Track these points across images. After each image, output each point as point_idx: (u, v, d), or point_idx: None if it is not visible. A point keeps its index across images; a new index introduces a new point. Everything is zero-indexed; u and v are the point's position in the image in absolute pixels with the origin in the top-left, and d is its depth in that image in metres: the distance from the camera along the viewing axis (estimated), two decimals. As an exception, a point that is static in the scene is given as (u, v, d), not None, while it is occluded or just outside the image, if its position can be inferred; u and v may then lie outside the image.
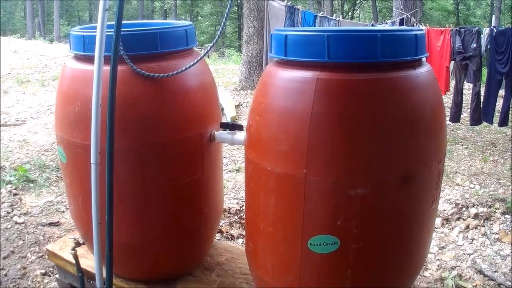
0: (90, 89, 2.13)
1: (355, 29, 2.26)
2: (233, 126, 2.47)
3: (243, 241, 4.01)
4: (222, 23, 2.43)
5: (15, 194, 4.86)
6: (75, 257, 2.66)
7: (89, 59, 2.25)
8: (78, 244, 2.68)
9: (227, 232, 4.11)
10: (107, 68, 2.10)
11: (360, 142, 1.87)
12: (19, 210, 4.52)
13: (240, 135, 2.46)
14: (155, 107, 2.31)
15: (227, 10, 2.28)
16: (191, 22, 2.59)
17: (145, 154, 2.34)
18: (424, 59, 2.09)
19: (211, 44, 2.47)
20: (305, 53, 1.91)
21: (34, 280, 3.48)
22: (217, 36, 2.38)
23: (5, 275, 3.51)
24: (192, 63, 2.36)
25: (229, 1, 2.31)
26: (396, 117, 1.90)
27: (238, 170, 5.81)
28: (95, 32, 2.12)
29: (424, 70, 2.01)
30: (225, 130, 2.51)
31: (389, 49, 1.86)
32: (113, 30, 2.07)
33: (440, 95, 2.18)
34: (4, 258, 3.71)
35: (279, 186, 2.00)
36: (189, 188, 2.51)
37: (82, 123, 2.31)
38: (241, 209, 4.58)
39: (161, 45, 2.31)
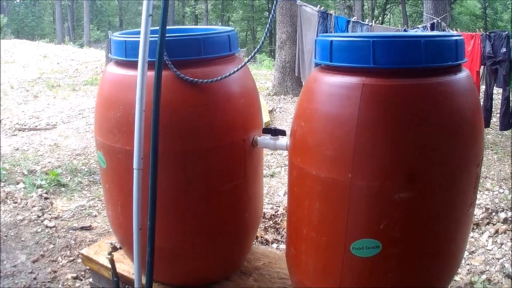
0: (132, 94, 2.14)
1: (398, 35, 2.25)
2: (275, 132, 2.47)
3: (277, 246, 4.02)
4: (265, 32, 2.44)
5: (46, 198, 4.90)
6: (112, 261, 2.66)
7: (131, 65, 2.27)
8: (114, 248, 2.67)
9: (262, 237, 4.10)
10: (149, 74, 2.11)
11: (404, 147, 1.88)
12: (50, 214, 4.54)
13: (283, 141, 2.45)
14: (198, 113, 2.31)
15: (270, 16, 2.28)
16: (233, 28, 2.60)
17: (188, 160, 2.33)
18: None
19: (255, 51, 2.47)
20: (351, 59, 1.91)
21: (65, 283, 3.48)
22: (261, 42, 2.38)
23: (35, 278, 3.52)
24: (236, 69, 2.36)
25: (273, 9, 2.32)
26: (438, 122, 1.90)
27: (272, 175, 5.78)
28: (137, 37, 2.14)
29: (463, 75, 2.02)
30: (268, 136, 2.51)
31: (432, 55, 1.87)
32: (156, 35, 2.09)
33: (478, 100, 2.18)
34: (34, 261, 3.73)
35: (325, 191, 2.00)
36: (230, 193, 2.50)
37: (124, 129, 2.32)
38: (276, 214, 4.56)
39: (205, 50, 2.31)
